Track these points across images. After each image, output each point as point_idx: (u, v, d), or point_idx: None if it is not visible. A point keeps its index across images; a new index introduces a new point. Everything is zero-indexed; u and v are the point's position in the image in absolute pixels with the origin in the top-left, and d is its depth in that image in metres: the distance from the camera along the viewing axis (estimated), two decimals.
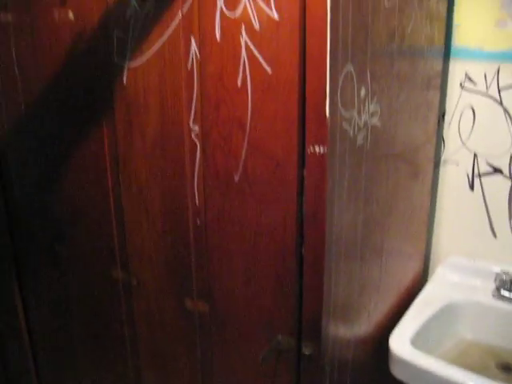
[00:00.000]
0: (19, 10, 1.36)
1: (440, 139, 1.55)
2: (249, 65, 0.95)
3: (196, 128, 1.06)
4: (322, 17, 0.86)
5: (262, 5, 0.91)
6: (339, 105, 0.92)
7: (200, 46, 1.01)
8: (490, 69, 1.44)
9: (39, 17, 1.30)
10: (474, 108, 1.49)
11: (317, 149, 0.91)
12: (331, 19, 0.86)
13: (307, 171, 0.95)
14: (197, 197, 1.10)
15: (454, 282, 1.53)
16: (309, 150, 0.92)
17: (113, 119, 1.20)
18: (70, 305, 1.49)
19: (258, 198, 1.02)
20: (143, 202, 1.21)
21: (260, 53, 0.93)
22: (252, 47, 0.94)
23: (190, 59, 1.03)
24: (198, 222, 1.12)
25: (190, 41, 1.02)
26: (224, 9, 0.95)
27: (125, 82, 1.15)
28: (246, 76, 0.96)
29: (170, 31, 1.04)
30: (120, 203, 1.26)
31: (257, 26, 0.92)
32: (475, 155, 1.51)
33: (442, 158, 1.56)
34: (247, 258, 1.08)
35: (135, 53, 1.12)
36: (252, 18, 0.92)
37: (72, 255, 1.44)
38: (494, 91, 1.45)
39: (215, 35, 0.98)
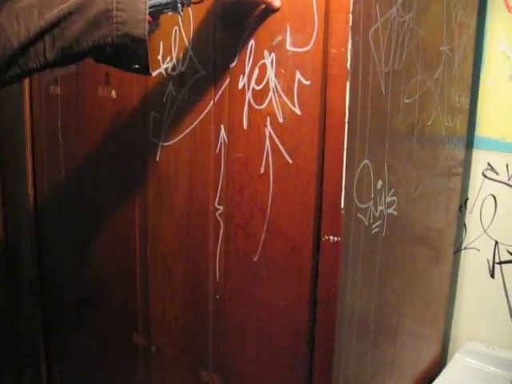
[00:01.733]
0: (68, 85, 1.47)
1: (461, 225, 1.57)
2: (271, 154, 1.01)
3: (221, 208, 1.12)
4: (340, 115, 0.93)
5: (287, 100, 0.98)
6: (355, 197, 0.97)
7: (228, 133, 1.08)
8: None
9: (85, 92, 1.41)
10: (496, 197, 1.52)
11: (331, 238, 0.96)
12: (349, 117, 0.93)
13: (321, 257, 0.99)
14: (218, 272, 1.15)
15: (472, 368, 1.52)
16: (323, 238, 0.97)
17: (144, 192, 1.28)
18: (91, 365, 1.53)
19: (274, 279, 1.06)
20: (167, 273, 1.26)
21: (282, 144, 1.00)
22: (275, 138, 1.00)
23: (219, 143, 1.10)
24: (218, 296, 1.16)
25: (220, 127, 1.09)
26: (252, 101, 1.03)
27: (158, 158, 1.23)
28: (268, 164, 1.02)
29: (202, 116, 1.12)
30: (146, 271, 1.32)
31: (281, 119, 0.99)
32: (496, 243, 1.53)
33: (463, 244, 1.58)
34: (260, 336, 1.11)
35: (169, 133, 1.20)
36: (277, 112, 0.99)
37: (97, 318, 1.49)
38: None
39: (243, 124, 1.05)
